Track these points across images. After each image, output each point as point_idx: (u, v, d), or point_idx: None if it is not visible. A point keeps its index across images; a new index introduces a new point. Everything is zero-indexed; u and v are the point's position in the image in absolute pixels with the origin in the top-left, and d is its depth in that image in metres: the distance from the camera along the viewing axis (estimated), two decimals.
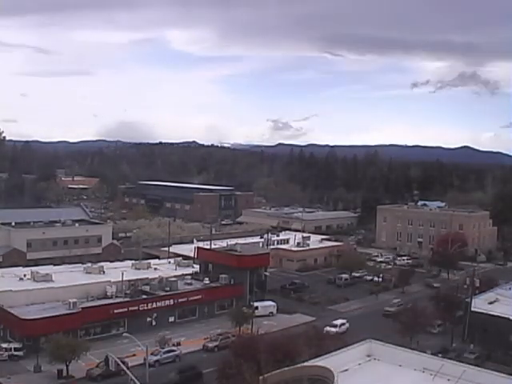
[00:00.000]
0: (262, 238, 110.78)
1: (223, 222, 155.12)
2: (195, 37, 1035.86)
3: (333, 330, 62.26)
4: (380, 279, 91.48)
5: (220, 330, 63.91)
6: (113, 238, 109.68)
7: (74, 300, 59.80)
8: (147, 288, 69.21)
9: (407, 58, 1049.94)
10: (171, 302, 67.38)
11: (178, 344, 58.86)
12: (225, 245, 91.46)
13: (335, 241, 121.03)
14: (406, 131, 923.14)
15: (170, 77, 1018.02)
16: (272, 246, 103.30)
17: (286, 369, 33.82)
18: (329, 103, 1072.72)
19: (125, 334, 51.83)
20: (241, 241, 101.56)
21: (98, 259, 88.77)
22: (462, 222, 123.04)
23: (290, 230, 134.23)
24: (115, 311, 62.39)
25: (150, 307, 65.39)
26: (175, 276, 75.45)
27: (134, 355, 53.42)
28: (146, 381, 44.52)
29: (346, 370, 34.27)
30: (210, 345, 59.23)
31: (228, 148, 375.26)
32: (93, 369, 50.98)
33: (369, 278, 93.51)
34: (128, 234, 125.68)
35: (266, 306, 72.52)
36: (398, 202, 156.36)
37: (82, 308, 59.62)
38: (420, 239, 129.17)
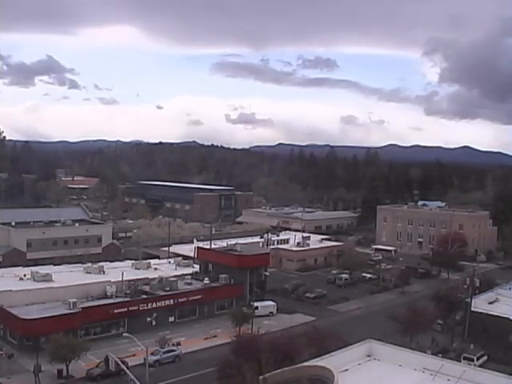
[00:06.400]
0: (262, 238, 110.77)
1: (223, 223, 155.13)
2: None
3: None
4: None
5: (220, 330, 64.05)
6: (113, 238, 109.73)
7: (74, 300, 59.69)
8: (147, 288, 69.15)
9: None
10: (171, 301, 67.37)
11: (178, 344, 58.86)
12: (225, 245, 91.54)
13: (335, 241, 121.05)
14: (406, 131, 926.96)
15: None
16: (272, 246, 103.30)
17: (286, 369, 33.77)
18: None
19: (125, 334, 51.83)
20: (241, 241, 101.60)
21: (98, 259, 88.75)
22: (462, 222, 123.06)
23: (290, 229, 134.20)
24: (115, 311, 62.37)
25: (149, 307, 65.37)
26: (175, 276, 75.45)
27: (134, 355, 53.42)
28: (146, 381, 44.55)
29: (346, 370, 34.22)
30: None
31: (228, 148, 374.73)
32: (93, 369, 50.97)
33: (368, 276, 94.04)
34: (128, 234, 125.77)
35: (265, 305, 72.52)
36: (398, 202, 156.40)
37: (82, 308, 59.56)
38: (420, 239, 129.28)
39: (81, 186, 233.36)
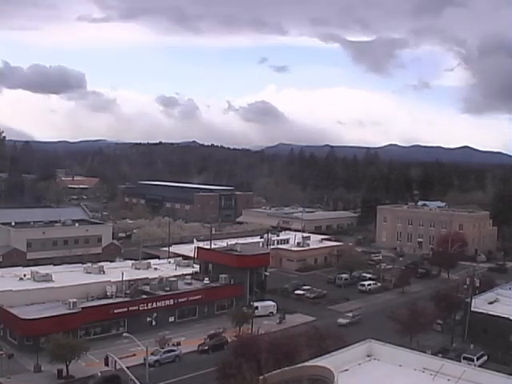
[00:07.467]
0: (262, 238, 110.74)
1: (223, 223, 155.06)
2: None
3: None
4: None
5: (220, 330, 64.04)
6: (113, 238, 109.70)
7: (74, 300, 59.73)
8: (147, 288, 69.20)
9: None
10: (171, 302, 67.40)
11: (178, 344, 58.86)
12: (225, 245, 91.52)
13: (335, 241, 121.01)
14: (406, 131, 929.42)
15: None
16: (272, 246, 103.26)
17: (286, 369, 33.75)
18: None
19: (125, 334, 51.85)
20: (241, 241, 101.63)
21: (98, 259, 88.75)
22: (462, 222, 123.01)
23: (290, 229, 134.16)
24: (115, 311, 62.41)
25: (149, 307, 65.40)
26: (175, 276, 75.42)
27: (134, 355, 53.44)
28: (146, 381, 44.59)
29: (346, 370, 34.22)
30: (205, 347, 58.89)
31: (228, 148, 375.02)
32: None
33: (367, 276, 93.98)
34: (128, 234, 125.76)
35: (265, 305, 72.52)
36: (398, 202, 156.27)
37: (82, 308, 59.60)
38: (420, 239, 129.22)
39: (81, 186, 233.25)
